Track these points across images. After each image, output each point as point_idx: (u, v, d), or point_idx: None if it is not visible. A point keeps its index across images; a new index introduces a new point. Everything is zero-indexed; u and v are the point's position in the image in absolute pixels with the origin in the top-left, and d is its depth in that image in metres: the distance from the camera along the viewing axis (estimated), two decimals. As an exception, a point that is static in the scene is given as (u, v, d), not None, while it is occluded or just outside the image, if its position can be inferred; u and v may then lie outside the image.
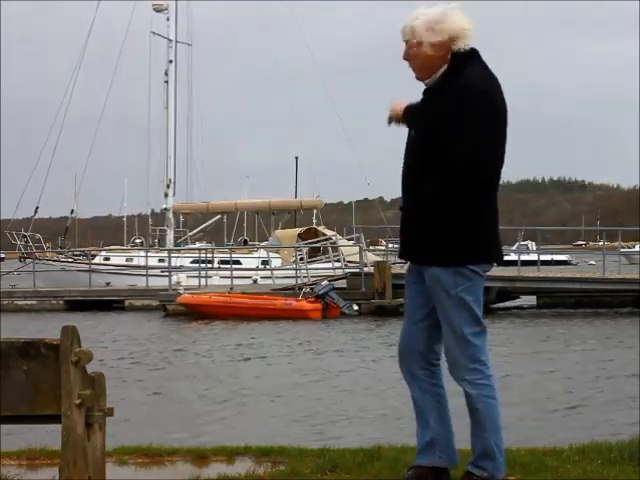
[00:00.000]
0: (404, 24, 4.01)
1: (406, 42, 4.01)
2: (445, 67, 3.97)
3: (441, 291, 4.01)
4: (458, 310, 4.01)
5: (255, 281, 30.77)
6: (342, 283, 25.86)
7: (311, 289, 24.84)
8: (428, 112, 3.99)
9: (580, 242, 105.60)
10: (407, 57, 4.03)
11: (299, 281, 26.71)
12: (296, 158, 50.45)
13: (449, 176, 3.86)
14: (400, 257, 4.35)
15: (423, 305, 4.14)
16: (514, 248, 35.17)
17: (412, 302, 4.18)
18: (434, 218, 3.96)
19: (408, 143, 4.11)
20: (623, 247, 41.01)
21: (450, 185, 3.88)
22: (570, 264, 48.83)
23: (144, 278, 30.53)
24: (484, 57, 4.00)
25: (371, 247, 29.81)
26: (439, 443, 4.14)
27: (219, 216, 39.25)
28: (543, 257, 46.96)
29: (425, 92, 4.06)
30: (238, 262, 32.92)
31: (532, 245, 54.62)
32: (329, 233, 36.27)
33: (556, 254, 55.18)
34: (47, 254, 37.27)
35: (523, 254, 41.61)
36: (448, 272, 4.00)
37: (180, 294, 25.49)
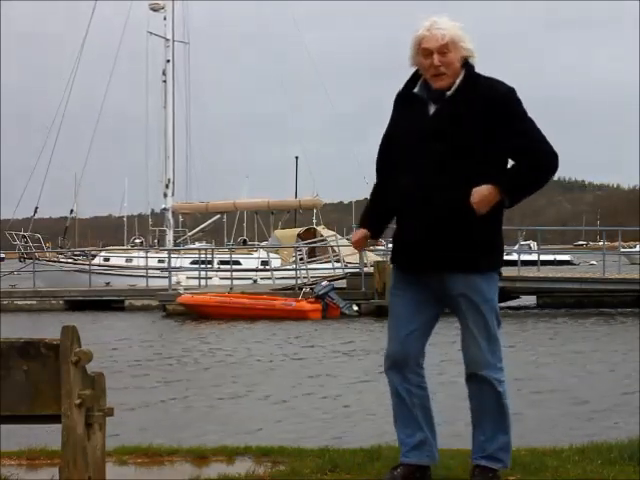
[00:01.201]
0: (442, 27, 4.02)
1: (442, 46, 4.00)
2: (462, 75, 4.06)
3: (478, 297, 4.10)
4: (491, 313, 4.14)
5: (255, 281, 30.76)
6: (342, 283, 25.85)
7: (311, 289, 24.82)
8: (461, 115, 3.99)
9: (581, 242, 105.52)
10: (442, 62, 4.01)
11: (299, 281, 26.70)
12: (296, 158, 50.38)
13: (549, 157, 4.03)
14: (413, 269, 4.15)
15: (416, 312, 4.21)
16: (516, 248, 35.04)
17: (405, 310, 4.21)
18: (478, 220, 4.01)
19: (417, 148, 4.05)
20: (624, 247, 40.95)
21: (552, 166, 4.05)
22: (573, 264, 48.73)
23: (144, 278, 30.55)
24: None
25: (371, 247, 29.73)
26: (429, 443, 4.26)
27: (218, 216, 39.24)
28: (546, 257, 46.93)
29: (450, 98, 4.05)
30: (238, 262, 32.91)
31: (534, 245, 54.55)
32: (329, 233, 36.25)
33: (558, 254, 55.06)
34: (47, 254, 37.27)
35: (525, 254, 41.57)
36: (485, 278, 4.11)
37: (180, 294, 25.49)
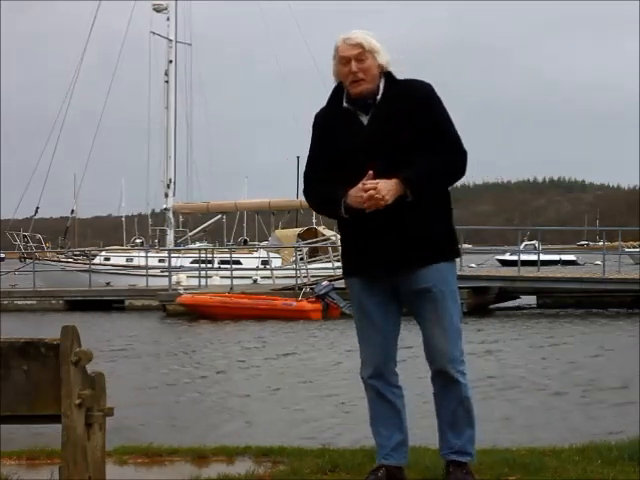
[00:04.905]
0: (357, 36, 4.15)
1: (359, 53, 4.12)
2: (383, 81, 4.20)
3: (444, 287, 4.18)
4: (455, 303, 4.25)
5: (255, 281, 30.75)
6: (342, 283, 25.77)
7: (311, 289, 24.81)
8: (397, 117, 4.11)
9: (583, 242, 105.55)
10: (360, 68, 4.12)
11: (299, 281, 26.69)
12: (297, 158, 50.07)
13: (460, 157, 4.18)
14: (383, 274, 4.15)
15: (386, 315, 4.26)
16: (522, 248, 34.96)
17: (377, 315, 4.26)
18: (433, 209, 4.14)
19: (364, 159, 4.07)
20: (628, 247, 40.81)
21: (461, 165, 4.19)
22: (577, 264, 48.56)
23: (144, 278, 30.55)
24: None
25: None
26: (405, 444, 4.36)
27: (219, 216, 39.21)
28: (550, 257, 46.81)
29: (379, 104, 4.16)
30: (238, 262, 32.89)
31: (539, 245, 54.50)
32: (329, 233, 36.23)
33: (562, 254, 54.91)
34: (47, 254, 37.27)
35: (526, 254, 41.47)
36: (450, 266, 4.24)
37: (180, 294, 25.48)
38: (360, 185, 4.03)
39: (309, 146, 4.34)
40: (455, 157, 4.17)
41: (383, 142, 4.09)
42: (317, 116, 4.32)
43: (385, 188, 3.99)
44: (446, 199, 4.25)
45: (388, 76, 4.21)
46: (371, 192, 3.99)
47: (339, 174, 4.14)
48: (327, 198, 4.20)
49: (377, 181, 4.00)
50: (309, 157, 4.34)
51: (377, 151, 4.09)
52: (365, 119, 4.17)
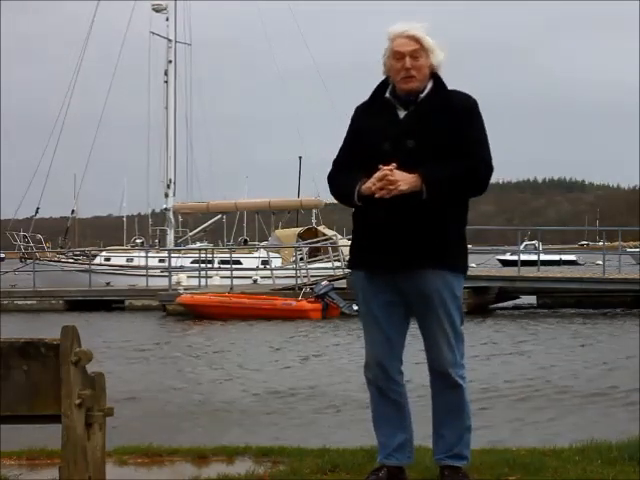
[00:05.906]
0: (415, 31, 4.12)
1: (414, 50, 4.10)
2: (432, 83, 4.19)
3: (449, 294, 4.18)
4: (458, 311, 4.24)
5: (255, 281, 30.74)
6: (342, 283, 25.80)
7: (311, 289, 24.82)
8: (434, 120, 4.09)
9: (583, 242, 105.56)
10: (413, 65, 4.11)
11: (299, 281, 26.69)
12: (299, 158, 50.00)
13: (484, 170, 4.14)
14: (388, 269, 4.13)
15: (392, 314, 4.24)
16: (522, 248, 34.88)
17: (382, 314, 4.25)
18: (447, 217, 4.12)
19: (390, 150, 4.08)
20: (630, 247, 40.71)
21: (483, 178, 4.15)
22: (578, 264, 48.46)
23: (144, 278, 30.56)
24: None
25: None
26: (409, 443, 4.35)
27: (219, 216, 39.21)
28: (551, 257, 46.78)
29: (420, 102, 4.15)
30: (238, 262, 32.89)
31: (540, 245, 54.51)
32: (329, 233, 36.21)
33: (563, 254, 54.84)
34: (47, 254, 37.26)
35: (531, 254, 41.42)
36: (456, 277, 4.22)
37: (180, 294, 25.48)
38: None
39: (344, 135, 4.35)
40: (479, 169, 4.13)
41: (412, 140, 4.08)
42: (357, 108, 4.33)
43: (400, 176, 3.99)
44: (462, 213, 4.24)
45: (436, 79, 4.20)
46: (386, 172, 3.98)
47: (363, 162, 4.13)
48: (345, 186, 4.20)
49: (394, 168, 3.99)
50: (342, 145, 4.34)
51: (403, 147, 4.08)
52: (402, 113, 4.16)
